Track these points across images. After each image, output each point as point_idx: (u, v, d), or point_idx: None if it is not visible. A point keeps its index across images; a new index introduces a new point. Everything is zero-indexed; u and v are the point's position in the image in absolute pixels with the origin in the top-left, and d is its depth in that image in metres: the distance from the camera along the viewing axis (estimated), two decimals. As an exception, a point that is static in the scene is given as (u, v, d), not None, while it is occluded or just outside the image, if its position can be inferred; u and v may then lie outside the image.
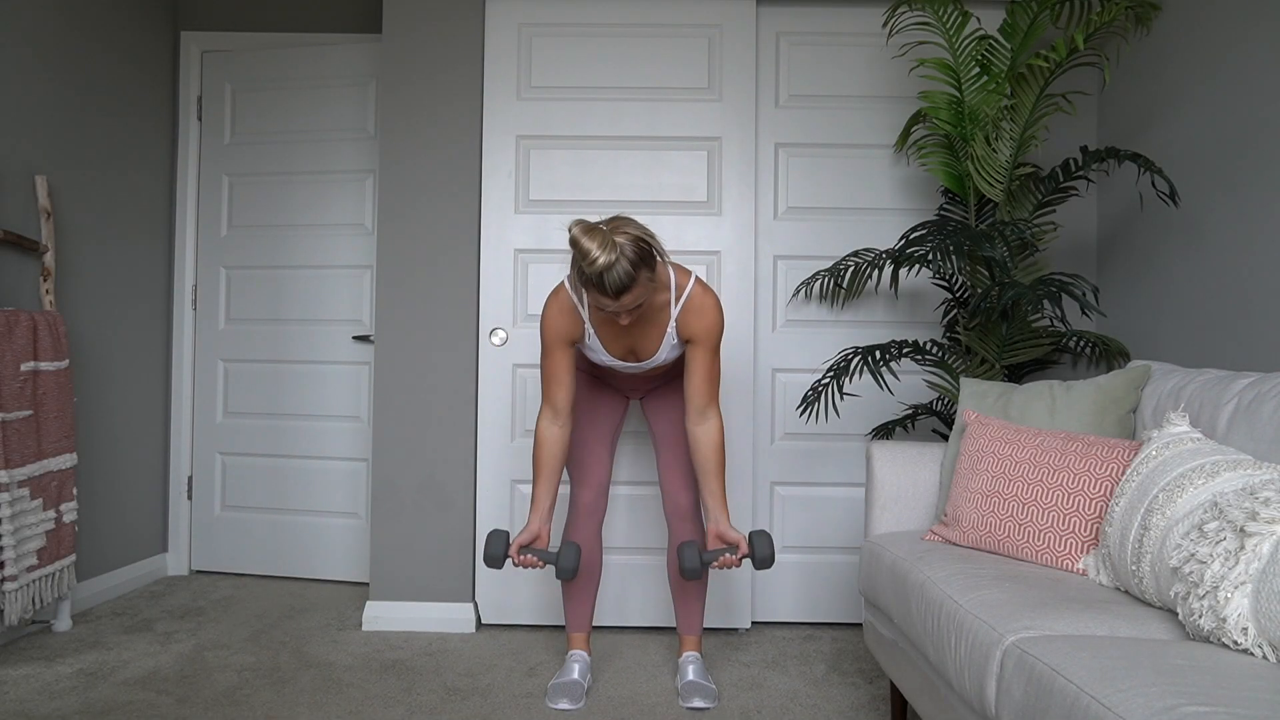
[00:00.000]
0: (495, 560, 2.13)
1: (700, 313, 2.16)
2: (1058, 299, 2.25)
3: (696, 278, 2.18)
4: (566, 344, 2.20)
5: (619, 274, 1.91)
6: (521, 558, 2.15)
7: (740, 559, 2.15)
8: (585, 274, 1.93)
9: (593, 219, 2.00)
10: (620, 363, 2.25)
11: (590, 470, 2.41)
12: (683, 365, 2.38)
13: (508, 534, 2.17)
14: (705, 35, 2.97)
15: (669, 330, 2.18)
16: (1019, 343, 2.63)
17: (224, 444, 3.61)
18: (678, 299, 2.16)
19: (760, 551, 2.10)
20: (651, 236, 1.99)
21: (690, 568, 2.12)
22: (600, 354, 2.24)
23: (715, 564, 2.15)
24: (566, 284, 2.19)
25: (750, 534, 2.13)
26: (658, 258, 2.02)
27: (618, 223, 1.97)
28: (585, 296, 2.15)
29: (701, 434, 2.20)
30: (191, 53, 3.60)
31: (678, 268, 2.18)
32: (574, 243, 1.92)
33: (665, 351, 2.22)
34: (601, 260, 1.89)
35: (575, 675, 2.35)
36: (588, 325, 2.19)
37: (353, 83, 3.49)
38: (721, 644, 2.82)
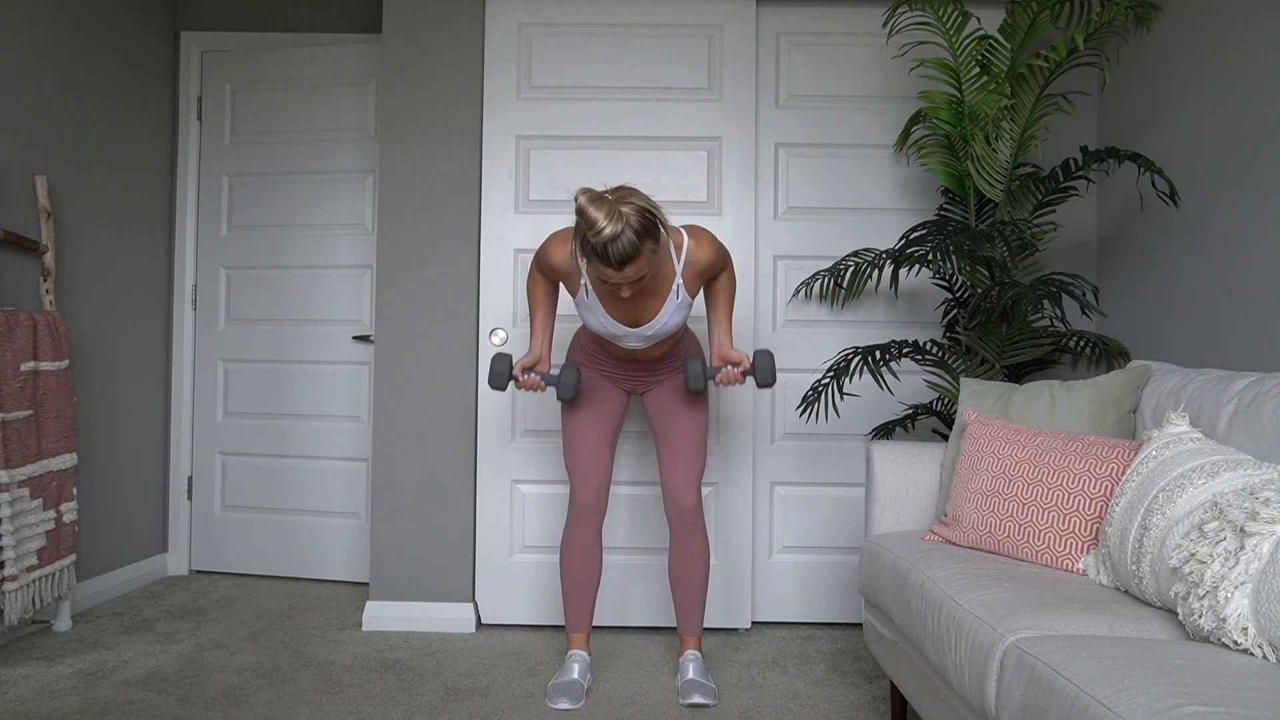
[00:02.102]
0: (500, 378, 2.23)
1: (709, 256, 2.19)
2: (1058, 299, 2.25)
3: (686, 230, 2.19)
4: (554, 281, 2.30)
5: (624, 245, 1.92)
6: (525, 377, 2.26)
7: (743, 374, 2.22)
8: (590, 244, 1.94)
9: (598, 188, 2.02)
10: (622, 329, 2.23)
11: (590, 471, 2.41)
12: (680, 354, 2.43)
13: (511, 356, 2.27)
14: (705, 35, 2.97)
15: (674, 287, 2.19)
16: (1019, 343, 2.63)
17: (224, 444, 3.61)
18: (679, 258, 2.18)
19: (760, 364, 2.16)
20: (657, 208, 1.99)
21: (694, 374, 2.19)
22: (600, 316, 2.22)
23: (718, 379, 2.21)
24: (573, 246, 2.15)
25: (754, 352, 2.20)
26: (662, 230, 2.02)
27: (624, 192, 1.97)
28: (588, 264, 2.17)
29: (725, 281, 2.30)
30: (191, 53, 3.60)
31: (672, 229, 2.19)
32: (580, 212, 1.92)
33: (669, 313, 2.21)
34: (607, 230, 1.90)
35: (575, 675, 2.34)
36: (585, 280, 2.19)
37: (353, 83, 3.49)
38: (721, 644, 2.82)
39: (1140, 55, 2.75)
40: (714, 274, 2.26)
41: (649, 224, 1.95)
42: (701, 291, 2.34)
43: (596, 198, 1.93)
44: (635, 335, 2.25)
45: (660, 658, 2.68)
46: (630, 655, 2.70)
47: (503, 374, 2.23)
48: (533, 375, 2.27)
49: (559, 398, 2.27)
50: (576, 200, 1.93)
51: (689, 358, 2.24)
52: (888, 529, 2.27)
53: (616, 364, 2.42)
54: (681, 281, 2.18)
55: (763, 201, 3.03)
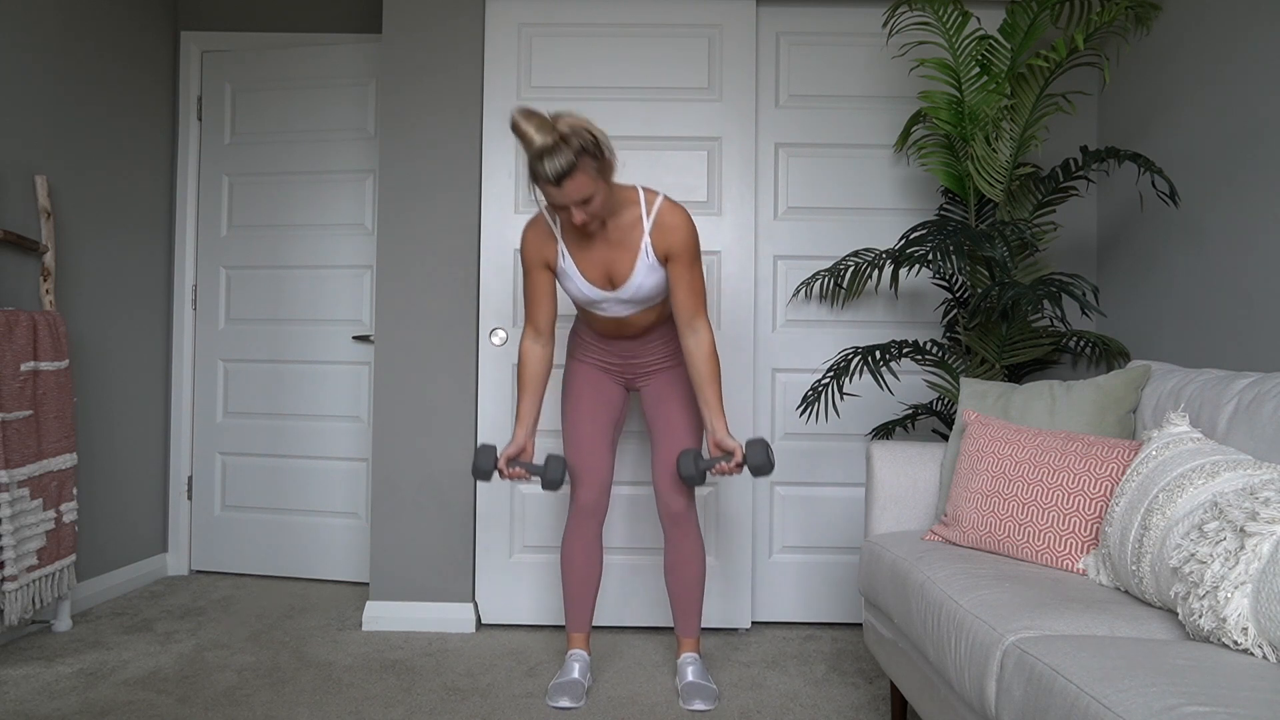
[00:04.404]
0: (484, 473, 2.19)
1: (672, 228, 2.18)
2: (1058, 299, 2.25)
3: (665, 196, 2.21)
4: (543, 265, 2.27)
5: (559, 160, 1.94)
6: (510, 470, 2.23)
7: (737, 466, 2.18)
8: (531, 166, 1.97)
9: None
10: (600, 293, 2.24)
11: (591, 469, 2.39)
12: (670, 336, 2.40)
13: (495, 448, 2.24)
14: (705, 35, 2.97)
15: (643, 246, 2.19)
16: (1019, 343, 2.63)
17: (224, 444, 3.61)
18: (649, 216, 2.18)
19: (754, 459, 2.12)
20: (599, 132, 2.02)
21: (687, 474, 2.16)
22: (578, 281, 2.24)
23: (713, 471, 2.19)
24: (544, 213, 2.25)
25: (747, 442, 2.16)
26: (607, 155, 2.03)
27: (562, 113, 2.00)
28: (560, 221, 2.22)
29: (692, 345, 2.23)
30: (191, 53, 3.60)
31: (647, 190, 2.22)
32: (514, 127, 1.96)
33: (642, 273, 2.20)
34: (539, 141, 1.93)
35: (575, 674, 2.34)
36: (561, 245, 2.23)
37: (353, 83, 3.49)
38: (721, 644, 2.81)
39: (1140, 55, 2.75)
40: (676, 255, 2.19)
41: (585, 141, 1.97)
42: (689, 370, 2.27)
43: (530, 113, 1.96)
44: (613, 300, 2.25)
45: (660, 658, 2.68)
46: (630, 655, 2.70)
47: (486, 469, 2.19)
48: (517, 468, 2.25)
49: (545, 489, 2.23)
50: (511, 117, 1.97)
51: (683, 451, 2.21)
52: (888, 529, 2.27)
53: (610, 349, 2.40)
54: (650, 242, 2.18)
55: (763, 201, 3.03)
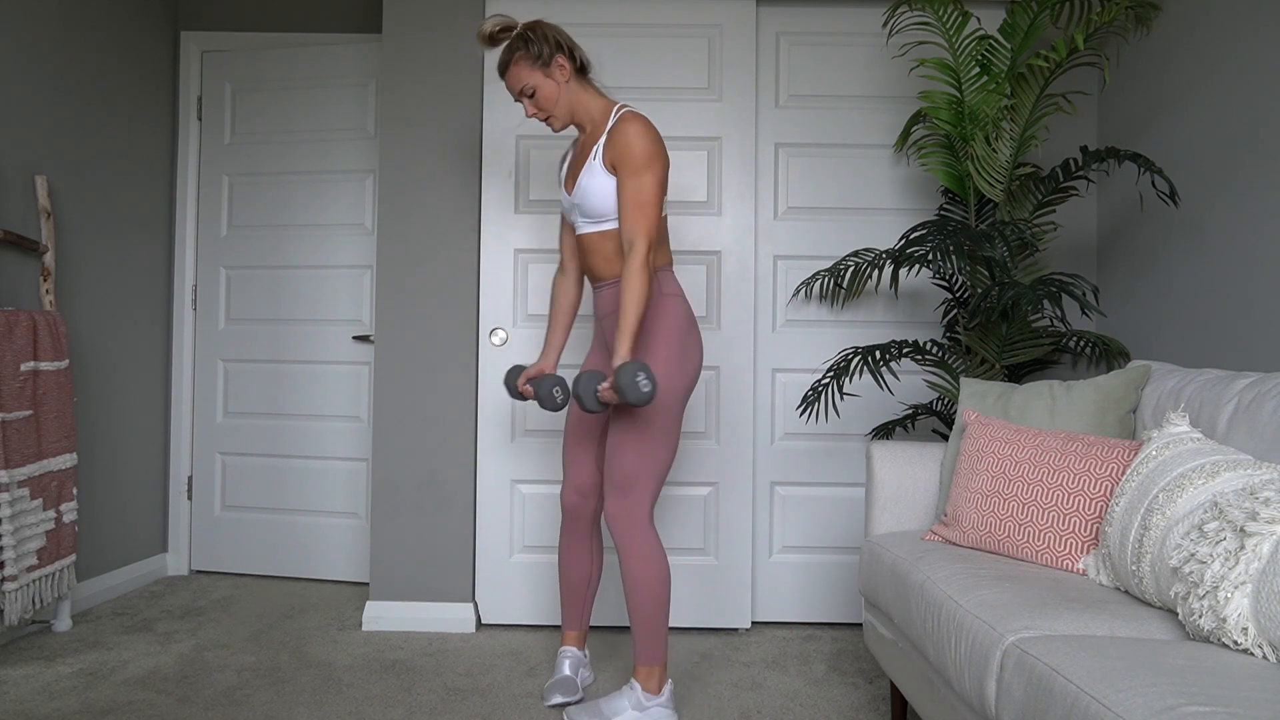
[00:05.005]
0: (510, 390, 2.42)
1: (620, 133, 2.12)
2: (1058, 299, 2.25)
3: (632, 108, 2.19)
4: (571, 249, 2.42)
5: (502, 54, 2.16)
6: (524, 388, 2.40)
7: (610, 388, 2.04)
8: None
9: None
10: (568, 199, 2.28)
11: (570, 470, 2.33)
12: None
13: (521, 368, 2.43)
14: (705, 35, 2.97)
15: (595, 149, 2.19)
16: (1019, 343, 2.63)
17: (224, 444, 3.61)
18: (610, 122, 2.20)
19: (617, 380, 1.99)
20: (550, 29, 2.17)
21: (574, 394, 2.08)
22: (561, 193, 2.34)
23: (598, 394, 2.06)
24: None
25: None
26: (542, 48, 2.14)
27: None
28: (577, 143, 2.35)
29: (623, 270, 2.10)
30: (191, 53, 3.60)
31: (626, 105, 2.23)
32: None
33: (585, 173, 2.18)
34: (484, 28, 2.15)
35: (566, 671, 2.33)
36: (565, 157, 2.37)
37: (353, 83, 3.49)
38: (721, 644, 2.82)
39: (1140, 55, 2.75)
40: (620, 162, 2.11)
41: (528, 38, 2.14)
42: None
43: (500, 14, 2.18)
44: (570, 204, 2.28)
45: (660, 658, 2.68)
46: (629, 655, 2.70)
47: (510, 386, 2.41)
48: (528, 387, 2.37)
49: (542, 408, 2.35)
50: None
51: (583, 371, 2.11)
52: (888, 529, 2.27)
53: (596, 299, 2.32)
54: (601, 144, 2.17)
55: (763, 201, 3.03)
